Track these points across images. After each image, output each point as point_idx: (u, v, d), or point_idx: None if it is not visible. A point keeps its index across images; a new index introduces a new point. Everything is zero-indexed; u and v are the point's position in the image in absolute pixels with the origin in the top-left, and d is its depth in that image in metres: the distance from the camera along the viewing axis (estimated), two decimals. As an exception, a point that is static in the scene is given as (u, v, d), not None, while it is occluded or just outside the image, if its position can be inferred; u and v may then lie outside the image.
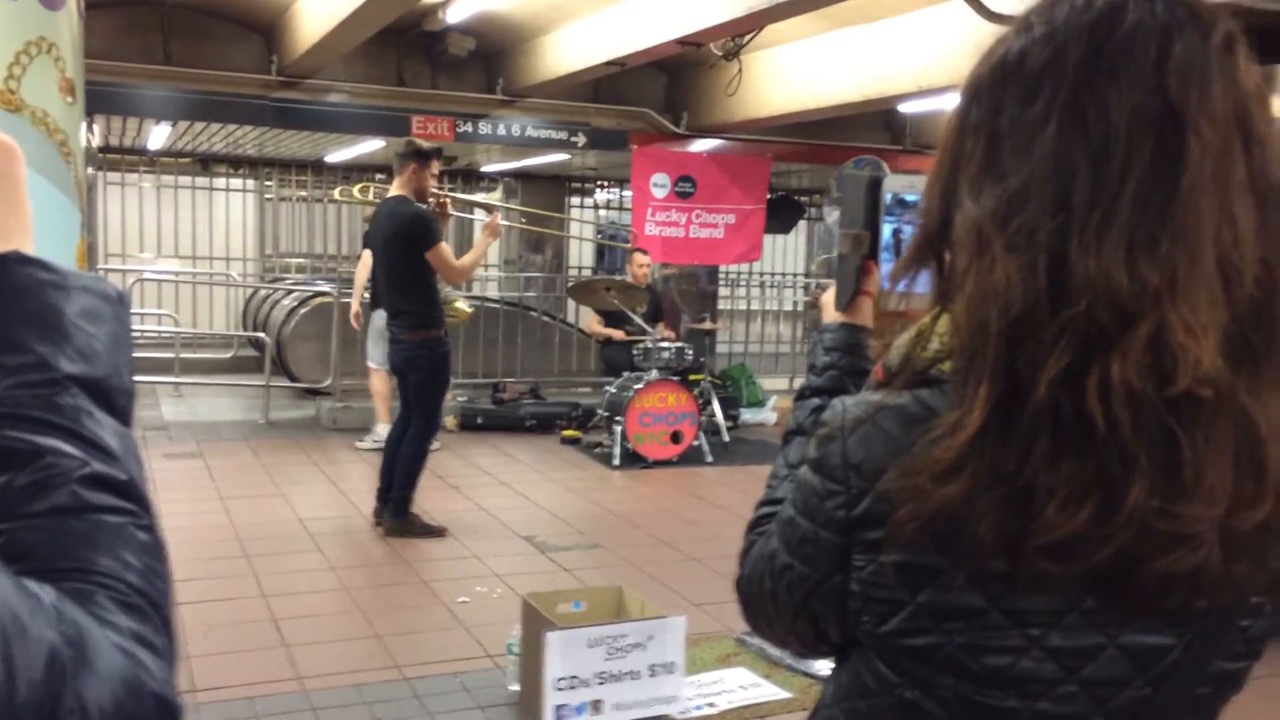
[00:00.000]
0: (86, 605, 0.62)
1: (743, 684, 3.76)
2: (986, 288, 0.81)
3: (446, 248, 5.40)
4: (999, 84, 0.86)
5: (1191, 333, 0.76)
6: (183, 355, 10.25)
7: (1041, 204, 0.80)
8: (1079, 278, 0.78)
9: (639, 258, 8.63)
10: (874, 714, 0.94)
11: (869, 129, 10.08)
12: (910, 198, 1.09)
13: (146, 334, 11.20)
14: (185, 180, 12.50)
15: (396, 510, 5.50)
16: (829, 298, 1.17)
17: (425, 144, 5.55)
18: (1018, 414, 0.80)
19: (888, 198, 1.10)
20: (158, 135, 10.12)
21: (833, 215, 9.27)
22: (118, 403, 0.72)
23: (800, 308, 13.16)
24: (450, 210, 5.86)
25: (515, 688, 3.57)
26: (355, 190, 7.38)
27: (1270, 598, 0.90)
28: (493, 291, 11.85)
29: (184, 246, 12.55)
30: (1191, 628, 0.87)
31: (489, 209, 6.82)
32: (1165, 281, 0.77)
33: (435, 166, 5.46)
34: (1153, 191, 0.79)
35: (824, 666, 3.82)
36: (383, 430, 7.44)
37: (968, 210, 0.85)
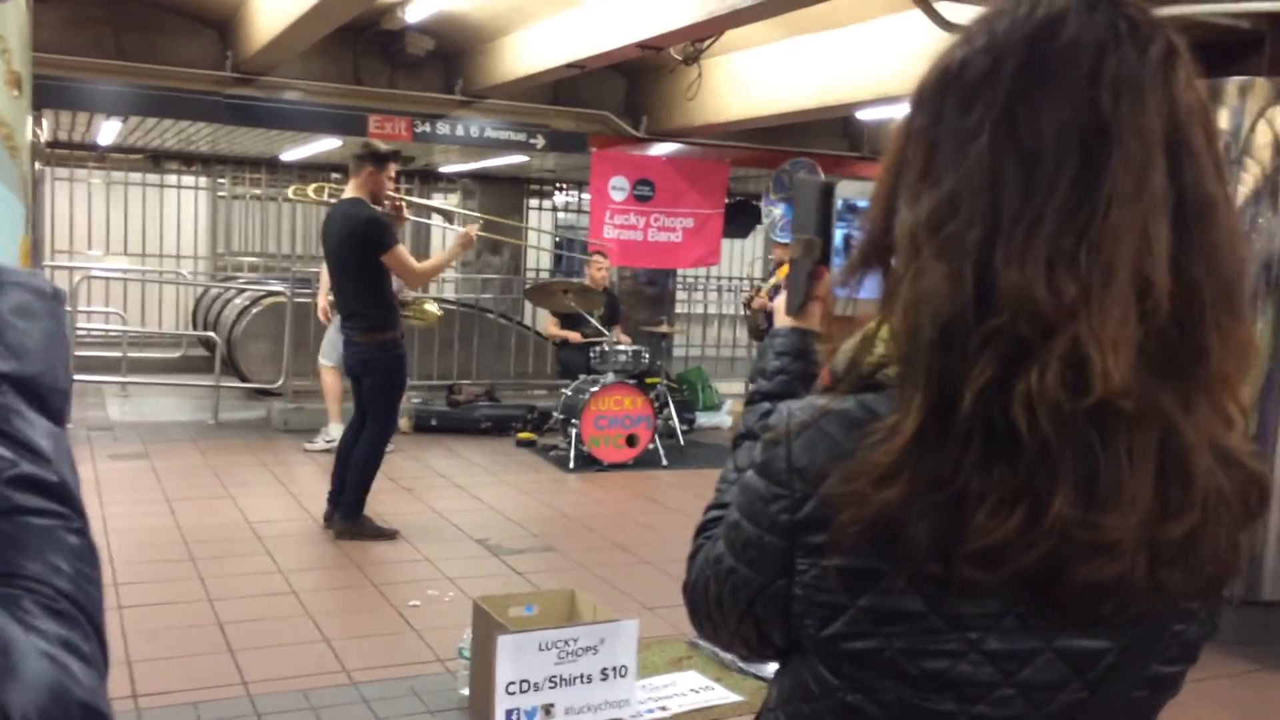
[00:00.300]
0: (12, 610, 0.60)
1: (694, 687, 3.76)
2: (919, 294, 0.81)
3: (403, 250, 5.36)
4: (940, 92, 0.86)
5: (1103, 346, 0.77)
6: (130, 354, 10.09)
7: (971, 213, 0.81)
8: (1002, 288, 0.79)
9: (598, 260, 8.63)
10: (816, 717, 0.94)
11: (827, 135, 10.15)
12: (862, 204, 1.09)
13: (93, 333, 11.00)
14: (136, 177, 12.31)
15: (348, 513, 5.45)
16: (780, 302, 1.17)
17: (382, 146, 5.50)
18: (952, 420, 0.80)
19: (839, 203, 1.10)
20: (108, 130, 9.95)
21: (772, 213, 9.30)
22: (51, 402, 0.70)
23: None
24: (406, 214, 5.81)
25: (466, 692, 3.54)
26: (310, 190, 7.30)
27: (1204, 603, 0.91)
28: (449, 293, 11.78)
29: (134, 244, 12.36)
30: (1127, 632, 0.88)
31: (446, 215, 6.77)
32: (1081, 295, 0.78)
33: (392, 169, 5.42)
34: (1077, 205, 0.79)
35: (774, 670, 3.83)
36: (335, 430, 7.38)
37: (904, 216, 0.85)
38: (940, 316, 0.80)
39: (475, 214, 10.92)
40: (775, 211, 9.22)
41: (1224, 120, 4.39)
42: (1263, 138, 4.40)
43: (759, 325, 8.47)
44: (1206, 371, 0.82)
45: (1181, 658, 0.93)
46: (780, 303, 1.16)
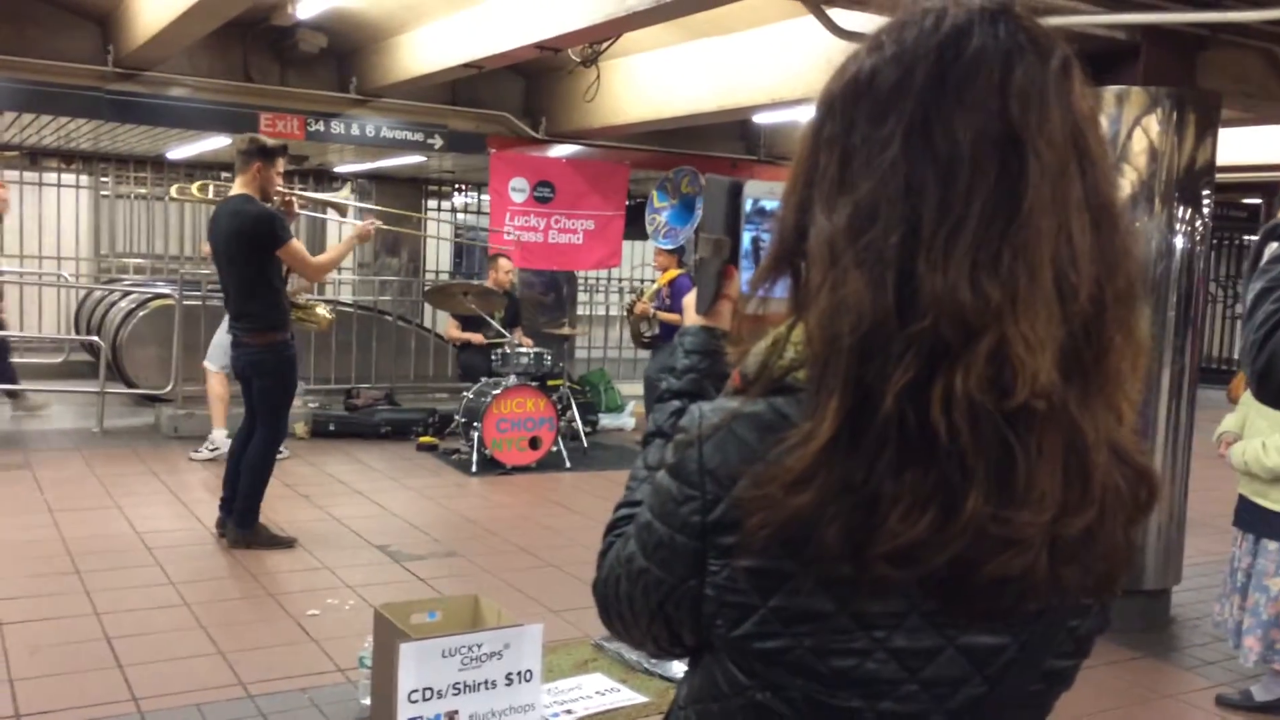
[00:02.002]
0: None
1: (600, 689, 3.76)
2: (838, 302, 0.83)
3: (299, 244, 5.24)
4: (851, 101, 0.88)
5: (1030, 348, 0.80)
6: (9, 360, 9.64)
7: (891, 221, 0.82)
8: (926, 294, 0.81)
9: (503, 264, 8.59)
10: (725, 715, 0.95)
11: (725, 139, 10.25)
12: (770, 205, 1.10)
13: (-32, 337, 10.49)
14: (12, 175, 11.78)
15: (242, 520, 5.30)
16: (690, 300, 1.18)
17: (269, 140, 5.36)
18: (867, 425, 0.82)
19: (748, 204, 1.11)
20: (-19, 126, 9.52)
21: (656, 220, 9.34)
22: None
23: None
24: (297, 209, 5.69)
25: (367, 702, 3.48)
26: (194, 189, 7.08)
27: (1097, 599, 0.95)
28: (347, 295, 11.56)
29: (10, 245, 11.82)
30: (1026, 628, 0.91)
31: (339, 208, 6.62)
32: (1006, 298, 0.80)
33: (281, 164, 5.29)
34: (996, 211, 0.81)
35: (680, 670, 3.86)
36: (219, 436, 7.19)
37: (821, 225, 0.86)
38: (862, 324, 0.81)
39: (372, 206, 10.76)
40: (659, 218, 9.27)
41: (1102, 128, 4.57)
42: (1138, 144, 4.60)
43: (641, 331, 8.51)
44: (1104, 369, 0.85)
45: (1076, 652, 0.97)
46: (690, 300, 1.17)
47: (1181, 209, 4.66)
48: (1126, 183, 4.61)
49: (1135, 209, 4.61)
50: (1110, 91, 4.58)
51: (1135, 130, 4.60)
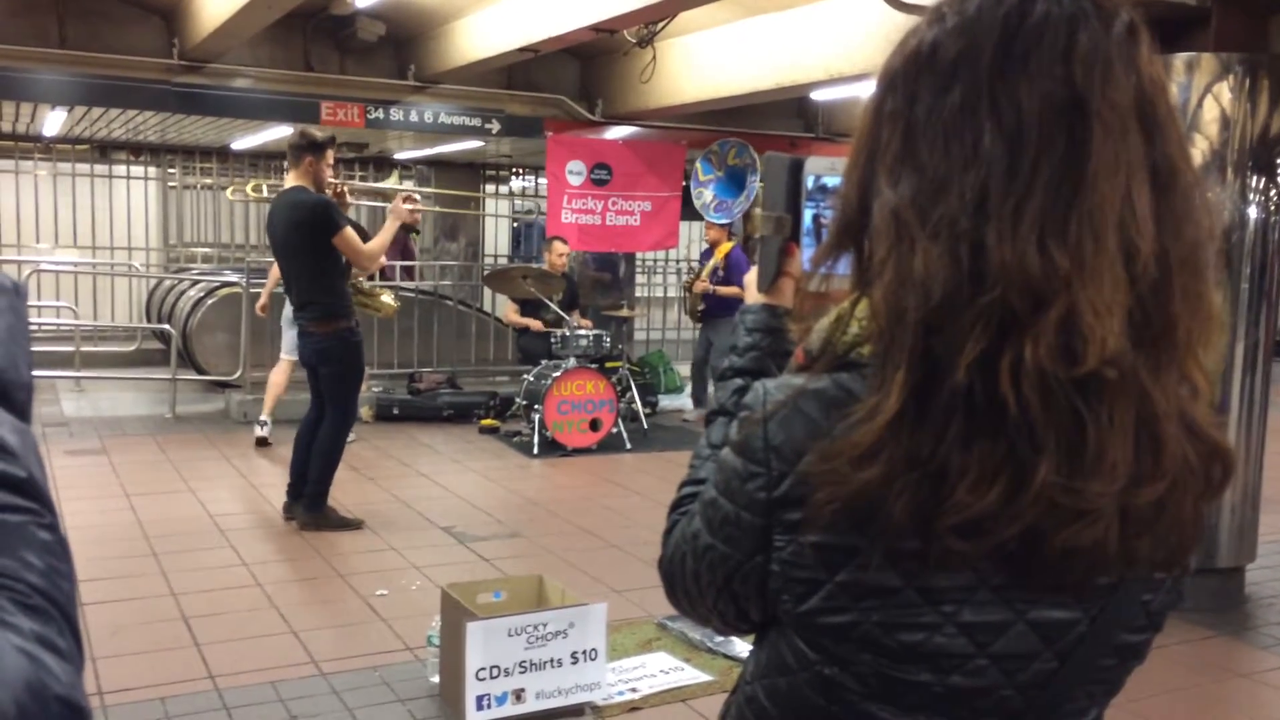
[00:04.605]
0: (-14, 608, 0.59)
1: (664, 668, 3.78)
2: (906, 275, 0.82)
3: (352, 233, 5.31)
4: (913, 74, 0.87)
5: (1098, 314, 0.79)
6: (83, 349, 9.91)
7: (961, 193, 0.82)
8: (995, 264, 0.80)
9: (558, 246, 8.61)
10: (793, 690, 0.95)
11: (782, 116, 10.18)
12: (831, 182, 1.09)
13: (45, 327, 10.81)
14: (83, 168, 12.09)
15: (312, 504, 5.40)
16: (751, 278, 1.18)
17: (319, 134, 5.43)
18: (933, 398, 0.82)
19: (809, 181, 1.10)
20: (53, 121, 9.75)
21: (703, 195, 9.25)
22: (15, 397, 0.69)
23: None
24: (349, 199, 5.77)
25: (436, 679, 3.54)
26: (248, 189, 7.20)
27: (1170, 573, 0.93)
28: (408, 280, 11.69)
29: (83, 236, 12.14)
30: (1097, 602, 0.90)
31: (389, 196, 6.70)
32: (1074, 265, 0.79)
33: (330, 156, 5.35)
34: (1064, 178, 0.81)
35: (744, 649, 3.87)
36: (261, 425, 7.32)
37: (886, 198, 0.86)
38: (932, 297, 0.81)
39: (424, 190, 10.86)
40: (706, 194, 9.20)
41: (1172, 93, 4.45)
42: (1210, 113, 4.47)
43: (697, 307, 8.54)
44: (1175, 339, 0.84)
45: (1148, 626, 0.96)
46: (751, 278, 1.17)
47: (1255, 178, 4.53)
48: (1198, 152, 4.49)
49: (1207, 178, 4.49)
50: (1180, 59, 4.46)
51: (1206, 98, 4.47)
